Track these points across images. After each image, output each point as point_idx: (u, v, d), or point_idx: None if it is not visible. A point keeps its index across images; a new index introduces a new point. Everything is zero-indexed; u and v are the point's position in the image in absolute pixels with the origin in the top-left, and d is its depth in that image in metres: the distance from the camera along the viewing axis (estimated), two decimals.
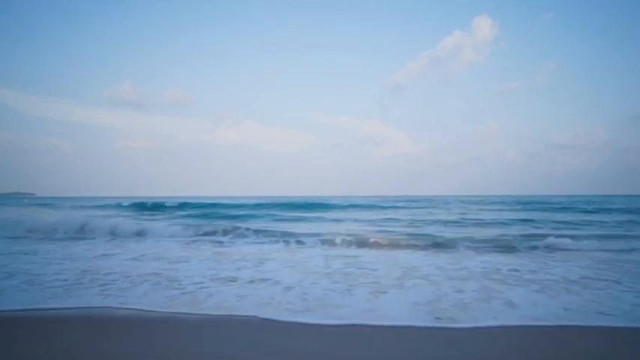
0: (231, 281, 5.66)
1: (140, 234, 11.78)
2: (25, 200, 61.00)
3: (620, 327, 3.79)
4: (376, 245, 9.97)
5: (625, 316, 4.11)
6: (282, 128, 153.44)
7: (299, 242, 10.34)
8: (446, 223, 16.82)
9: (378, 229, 14.13)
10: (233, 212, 22.40)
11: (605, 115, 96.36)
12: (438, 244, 9.92)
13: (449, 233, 12.31)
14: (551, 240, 9.83)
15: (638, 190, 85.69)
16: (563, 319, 4.01)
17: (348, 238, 10.53)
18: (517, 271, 6.54)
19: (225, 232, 11.98)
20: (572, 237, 10.37)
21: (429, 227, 14.94)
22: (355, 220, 18.81)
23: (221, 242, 10.54)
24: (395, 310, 4.23)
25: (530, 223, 16.47)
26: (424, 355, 3.15)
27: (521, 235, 11.66)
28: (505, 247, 9.60)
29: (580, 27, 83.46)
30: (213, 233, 11.98)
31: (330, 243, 10.15)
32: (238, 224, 13.51)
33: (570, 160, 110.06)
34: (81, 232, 11.87)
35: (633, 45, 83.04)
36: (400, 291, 5.09)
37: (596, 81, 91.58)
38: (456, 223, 16.85)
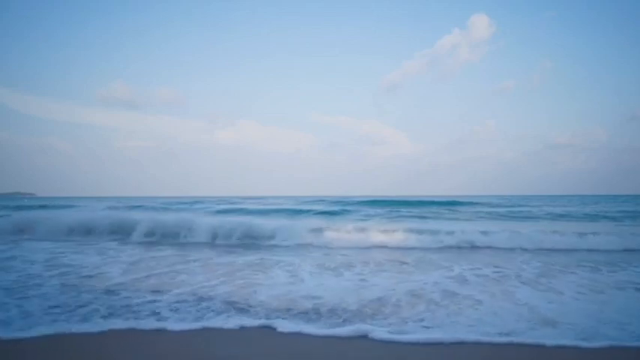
0: None
1: None
2: (26, 200, 60.99)
3: (620, 346, 3.84)
4: None
5: None
6: (281, 128, 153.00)
7: None
8: None
9: None
10: None
11: (604, 115, 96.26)
12: None
13: None
14: None
15: (638, 190, 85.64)
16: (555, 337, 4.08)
17: None
18: None
19: None
20: None
21: None
22: None
23: None
24: None
25: None
26: None
27: None
28: None
29: (578, 26, 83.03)
30: None
31: None
32: None
33: (569, 160, 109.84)
34: None
35: (632, 44, 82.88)
36: None
37: (595, 80, 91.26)
38: None
